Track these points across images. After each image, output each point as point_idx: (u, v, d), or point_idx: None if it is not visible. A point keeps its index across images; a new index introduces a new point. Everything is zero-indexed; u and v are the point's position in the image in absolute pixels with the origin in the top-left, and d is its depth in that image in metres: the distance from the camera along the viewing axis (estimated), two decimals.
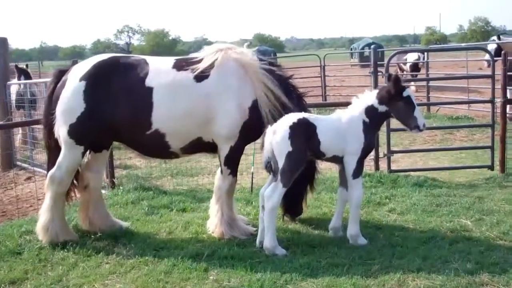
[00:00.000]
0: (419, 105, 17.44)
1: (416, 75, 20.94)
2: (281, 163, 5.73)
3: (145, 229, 6.90)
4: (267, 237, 5.84)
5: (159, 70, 6.27)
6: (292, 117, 5.80)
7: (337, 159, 5.98)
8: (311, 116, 5.90)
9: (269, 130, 5.82)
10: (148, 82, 6.19)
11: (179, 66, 6.35)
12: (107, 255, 6.07)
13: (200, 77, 6.25)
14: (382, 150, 9.41)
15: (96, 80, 6.19)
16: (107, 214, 6.89)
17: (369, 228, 6.57)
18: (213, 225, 6.57)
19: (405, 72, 22.27)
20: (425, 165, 10.52)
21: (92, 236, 6.60)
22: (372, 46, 13.42)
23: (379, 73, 9.46)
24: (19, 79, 15.19)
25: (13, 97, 13.63)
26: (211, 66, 6.31)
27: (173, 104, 6.16)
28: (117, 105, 6.15)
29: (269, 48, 61.90)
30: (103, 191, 9.23)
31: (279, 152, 5.73)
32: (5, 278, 5.56)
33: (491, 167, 9.33)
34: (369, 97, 5.98)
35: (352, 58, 45.74)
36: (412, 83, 19.54)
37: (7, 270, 5.77)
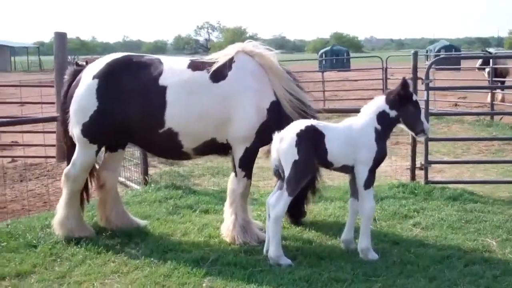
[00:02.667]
0: (483, 114, 16.77)
1: (504, 82, 19.34)
2: (287, 171, 5.58)
3: (161, 229, 6.92)
4: (271, 247, 5.71)
5: (174, 70, 6.26)
6: (299, 124, 5.64)
7: (347, 169, 5.78)
8: (320, 123, 5.72)
9: (276, 137, 5.68)
10: (162, 81, 6.19)
11: (195, 66, 6.32)
12: (116, 253, 6.12)
13: (217, 77, 6.21)
14: (420, 160, 9.00)
15: (109, 79, 6.24)
16: (124, 212, 6.94)
17: (385, 243, 6.30)
18: (226, 229, 6.50)
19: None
20: (472, 177, 10.03)
21: (104, 234, 6.69)
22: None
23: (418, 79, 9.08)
24: None
25: None
26: (229, 66, 6.25)
27: (187, 104, 6.14)
28: (130, 104, 6.18)
29: (343, 48, 61.40)
30: (137, 187, 9.41)
31: (285, 160, 5.58)
32: (13, 270, 5.68)
33: None
34: (380, 103, 5.77)
35: (427, 60, 44.49)
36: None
37: (18, 262, 5.90)
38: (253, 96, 6.19)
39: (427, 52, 50.31)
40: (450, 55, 36.97)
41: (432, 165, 10.20)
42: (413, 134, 5.90)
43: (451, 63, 37.53)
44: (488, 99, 18.08)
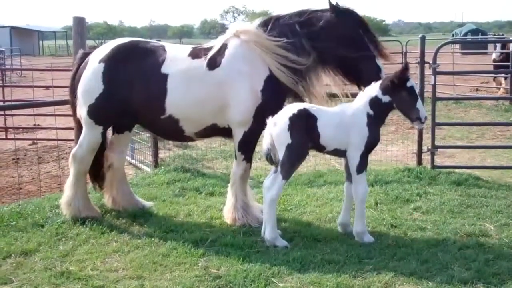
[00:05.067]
0: (503, 98, 16.61)
1: None
2: (281, 155, 5.68)
3: (165, 210, 7.09)
4: (267, 229, 5.82)
5: (176, 58, 6.40)
6: (292, 108, 5.71)
7: (339, 153, 5.85)
8: (313, 107, 5.78)
9: (270, 121, 5.77)
10: (164, 68, 6.34)
11: (195, 54, 6.44)
12: (119, 233, 6.29)
13: (213, 65, 6.33)
14: (427, 144, 8.98)
15: (114, 63, 6.42)
16: (130, 194, 7.12)
17: (383, 226, 6.37)
18: (227, 211, 6.65)
19: None
20: (482, 162, 10.02)
21: (109, 214, 6.89)
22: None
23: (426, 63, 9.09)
24: None
25: None
26: (223, 53, 6.37)
27: (186, 92, 6.29)
28: (133, 89, 6.35)
29: None
30: (148, 170, 9.60)
31: (279, 144, 5.67)
32: (18, 249, 5.88)
33: None
34: (373, 88, 5.78)
35: (454, 44, 43.73)
36: None
37: (24, 241, 6.09)
38: (245, 80, 6.26)
39: (453, 36, 49.48)
40: (461, 40, 36.37)
41: (444, 150, 10.26)
42: (410, 121, 5.84)
43: (478, 47, 36.97)
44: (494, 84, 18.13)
